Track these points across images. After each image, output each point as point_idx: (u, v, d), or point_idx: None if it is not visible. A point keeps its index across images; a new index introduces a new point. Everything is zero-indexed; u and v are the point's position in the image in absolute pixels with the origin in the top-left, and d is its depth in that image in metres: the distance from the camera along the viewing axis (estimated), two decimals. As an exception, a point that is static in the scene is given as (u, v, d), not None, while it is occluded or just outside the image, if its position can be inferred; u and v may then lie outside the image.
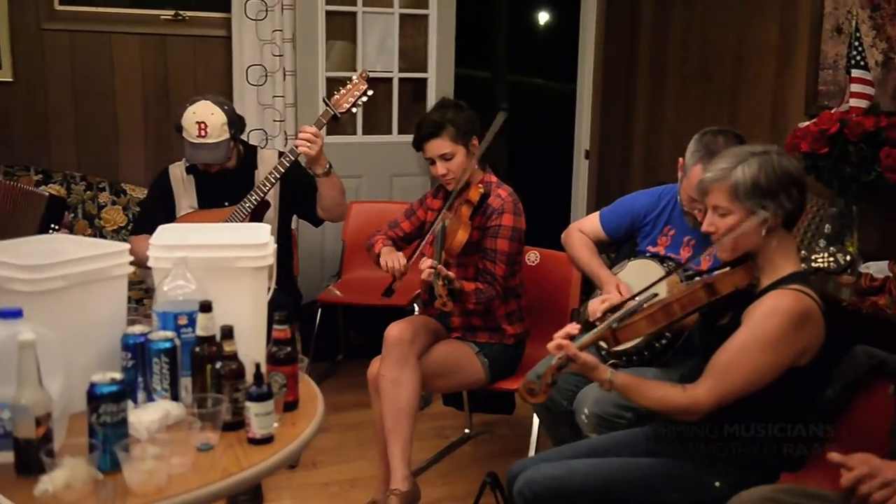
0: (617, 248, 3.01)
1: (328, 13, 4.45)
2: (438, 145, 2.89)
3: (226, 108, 3.23)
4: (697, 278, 2.20)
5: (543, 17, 8.74)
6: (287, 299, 3.16)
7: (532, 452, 2.95)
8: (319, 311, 4.06)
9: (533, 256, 3.29)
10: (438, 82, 4.71)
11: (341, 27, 4.58)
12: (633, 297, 2.29)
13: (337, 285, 4.19)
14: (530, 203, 3.13)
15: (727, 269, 2.11)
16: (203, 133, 3.15)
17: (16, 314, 1.60)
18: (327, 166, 3.19)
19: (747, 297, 2.05)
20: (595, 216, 2.94)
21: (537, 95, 8.23)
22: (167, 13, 4.24)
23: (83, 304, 1.82)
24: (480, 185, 2.90)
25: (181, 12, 4.25)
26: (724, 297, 2.07)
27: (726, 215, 2.04)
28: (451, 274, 2.71)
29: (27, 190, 3.30)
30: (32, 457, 1.51)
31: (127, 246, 1.95)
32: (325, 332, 4.15)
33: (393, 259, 2.87)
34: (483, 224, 2.91)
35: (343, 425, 3.56)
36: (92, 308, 1.84)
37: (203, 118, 3.15)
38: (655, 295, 2.22)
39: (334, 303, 4.12)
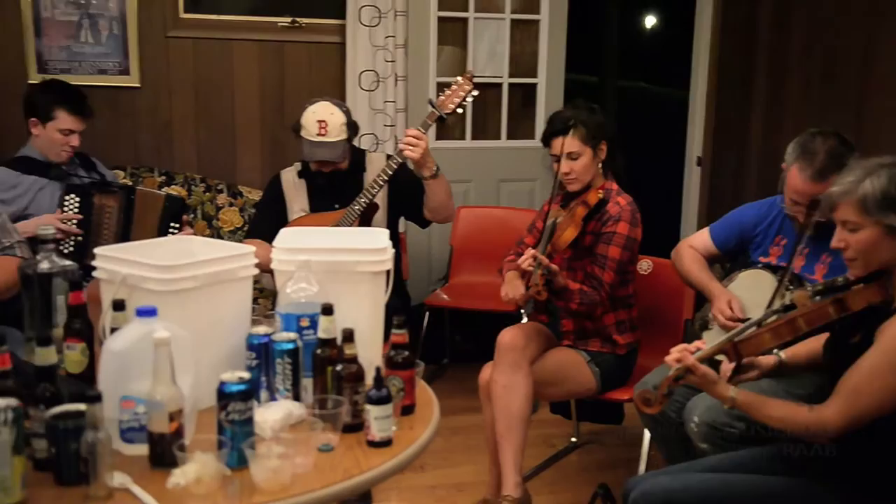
0: (730, 259, 2.95)
1: (440, 19, 4.48)
2: (567, 143, 2.87)
3: (344, 109, 3.31)
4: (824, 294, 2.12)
5: (651, 21, 8.60)
6: (396, 302, 3.19)
7: (643, 464, 2.90)
8: (427, 314, 4.09)
9: (646, 265, 3.23)
10: (549, 88, 4.68)
11: (452, 33, 4.60)
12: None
13: (444, 289, 4.21)
14: (640, 211, 3.08)
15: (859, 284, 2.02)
16: (323, 131, 3.24)
17: (151, 312, 1.67)
18: (434, 168, 3.22)
19: (878, 313, 1.96)
20: (705, 231, 2.92)
21: (645, 101, 8.10)
22: (285, 20, 4.35)
23: (212, 303, 1.88)
24: (600, 191, 2.87)
25: (298, 19, 4.35)
26: (855, 314, 1.99)
27: (856, 230, 1.96)
28: (553, 266, 2.69)
29: (145, 191, 3.43)
30: (165, 450, 1.56)
31: (253, 248, 2.00)
32: (431, 335, 4.17)
33: (512, 289, 2.85)
34: (597, 229, 2.88)
35: (450, 429, 3.58)
36: (219, 308, 1.90)
37: (323, 117, 3.24)
38: (782, 309, 2.15)
39: (441, 307, 4.14)
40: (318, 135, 3.24)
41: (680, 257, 2.88)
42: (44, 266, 1.99)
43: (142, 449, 1.61)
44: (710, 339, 2.64)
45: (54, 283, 2.01)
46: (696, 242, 2.90)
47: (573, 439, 3.61)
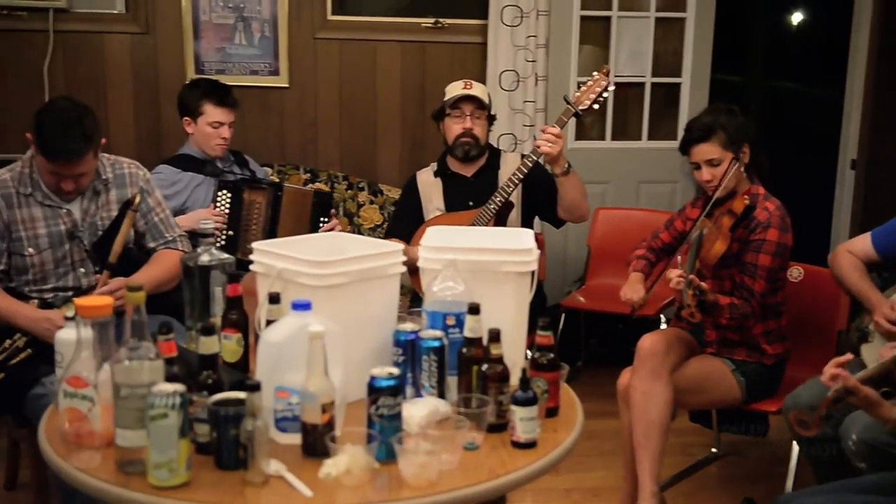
0: (890, 269, 2.79)
1: (582, 18, 4.44)
2: (707, 150, 2.79)
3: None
4: None
5: (799, 18, 8.25)
6: (534, 302, 3.19)
7: (790, 480, 2.78)
8: (563, 316, 4.06)
9: (796, 272, 3.09)
10: (693, 87, 4.56)
11: (594, 32, 4.55)
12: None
13: (580, 291, 4.17)
14: (789, 216, 2.96)
15: None
16: (468, 87, 3.36)
17: (306, 306, 1.72)
18: (566, 166, 3.19)
19: None
20: (866, 237, 2.75)
21: (794, 101, 7.78)
22: (428, 21, 4.41)
23: (361, 299, 1.92)
24: (746, 197, 2.77)
25: (441, 20, 4.40)
26: None
27: None
28: (703, 285, 2.61)
29: (292, 188, 3.55)
30: (317, 441, 1.61)
31: (401, 246, 2.03)
32: (566, 337, 4.14)
33: (632, 291, 2.83)
34: (745, 237, 2.78)
35: (584, 433, 3.49)
36: (368, 304, 1.94)
37: (469, 81, 3.40)
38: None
39: (577, 309, 4.10)
40: (463, 88, 3.35)
41: (838, 262, 2.73)
42: (204, 259, 2.08)
43: (295, 438, 1.66)
44: (869, 353, 2.51)
45: (212, 275, 2.10)
46: (855, 248, 2.74)
47: (713, 450, 3.50)
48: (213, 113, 3.46)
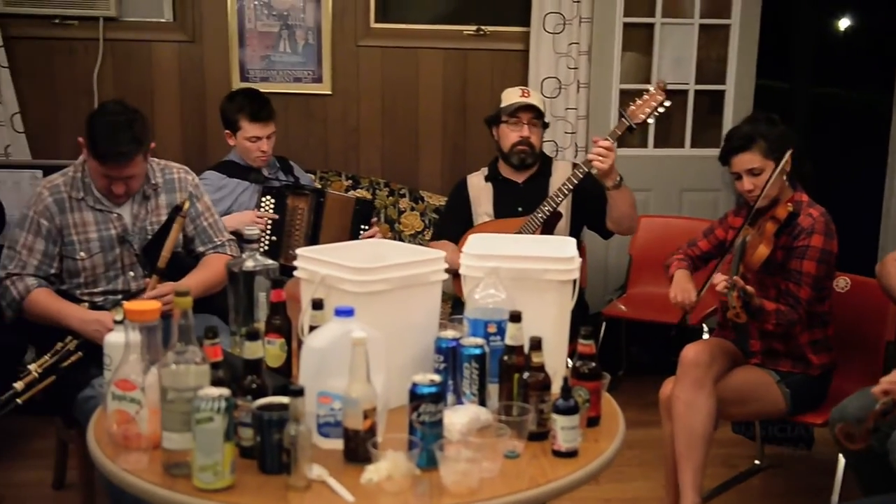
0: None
1: (625, 25, 4.42)
2: (747, 160, 2.76)
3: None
4: None
5: (846, 23, 8.13)
6: (575, 311, 3.18)
7: (835, 495, 2.74)
8: (604, 324, 4.04)
9: (843, 283, 3.04)
10: (737, 94, 4.52)
11: (637, 39, 4.53)
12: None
13: (622, 300, 4.14)
14: (834, 223, 2.91)
15: None
16: (526, 94, 3.39)
17: (349, 313, 1.73)
18: (618, 179, 3.18)
19: None
20: None
21: (841, 107, 7.66)
22: (470, 28, 4.42)
23: (403, 306, 1.93)
24: (789, 204, 2.74)
25: (483, 27, 4.41)
26: None
27: None
28: (749, 288, 2.58)
29: (334, 194, 3.58)
30: (359, 446, 1.62)
31: (443, 253, 2.04)
32: (607, 346, 4.11)
33: (682, 293, 2.79)
34: (789, 244, 2.75)
35: (625, 443, 3.48)
36: (410, 311, 1.95)
37: (527, 89, 3.44)
38: None
39: (618, 317, 4.08)
40: (521, 96, 3.38)
41: (886, 272, 2.67)
42: (249, 264, 2.11)
43: (337, 444, 1.67)
44: (918, 366, 2.46)
45: (257, 280, 2.13)
46: None
47: (756, 462, 3.46)
48: (249, 128, 3.49)
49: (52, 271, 2.70)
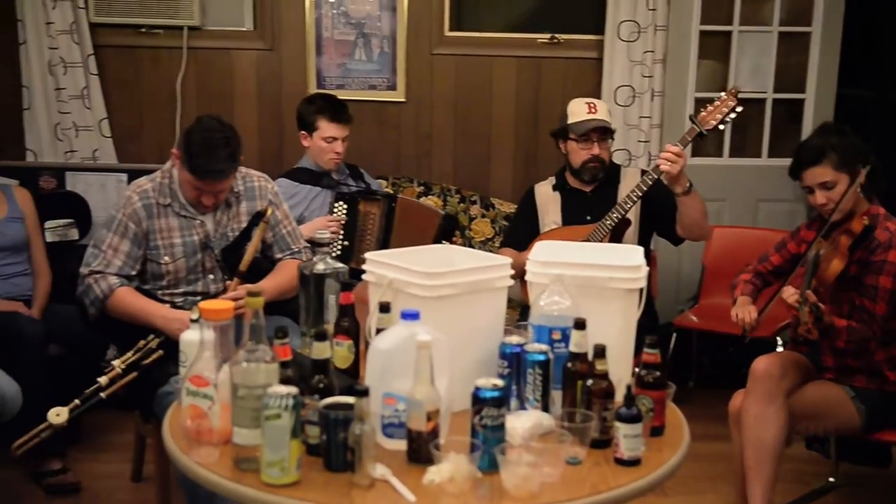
0: None
1: (702, 33, 4.37)
2: (819, 173, 2.71)
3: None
4: None
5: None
6: (644, 320, 3.16)
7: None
8: (674, 335, 3.99)
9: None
10: (817, 103, 4.43)
11: (714, 46, 4.47)
12: None
13: (693, 310, 4.09)
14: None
15: None
16: (593, 110, 3.36)
17: (414, 316, 1.77)
18: (687, 185, 3.14)
19: None
20: None
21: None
22: (544, 37, 4.43)
23: (469, 311, 1.95)
24: (865, 217, 2.67)
25: (557, 35, 4.41)
26: None
27: None
28: (820, 304, 2.53)
29: (406, 200, 3.63)
30: (422, 448, 1.65)
31: (509, 260, 2.06)
32: (677, 357, 4.07)
33: (743, 311, 2.77)
34: (865, 258, 2.68)
35: (693, 455, 3.40)
36: (476, 315, 1.97)
37: (592, 101, 3.40)
38: None
39: (689, 328, 4.03)
40: (589, 112, 3.36)
41: None
42: (319, 267, 2.16)
43: (400, 444, 1.70)
44: None
45: (327, 283, 2.18)
46: None
47: (831, 479, 3.37)
48: (327, 128, 3.57)
49: (133, 273, 2.80)
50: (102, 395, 2.52)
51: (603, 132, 3.39)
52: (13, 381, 2.82)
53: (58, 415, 2.42)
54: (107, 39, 4.33)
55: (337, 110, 3.60)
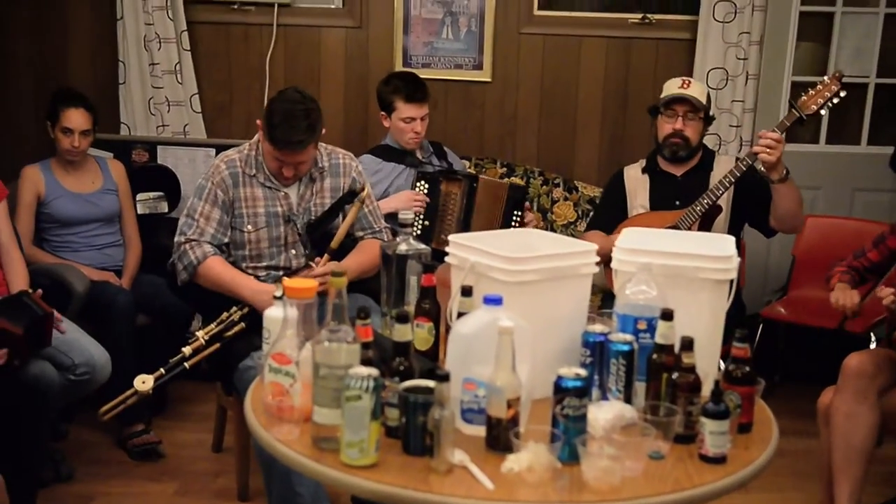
0: None
1: (802, 14, 4.20)
2: None
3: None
4: None
5: None
6: (731, 310, 3.07)
7: None
8: (760, 326, 3.88)
9: None
10: (924, 90, 4.22)
11: (814, 28, 4.30)
12: None
13: (781, 302, 3.97)
14: None
15: None
16: (686, 85, 3.29)
17: (497, 301, 1.74)
18: (784, 172, 3.03)
19: None
20: None
21: None
22: (635, 17, 4.32)
23: (552, 297, 1.92)
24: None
25: (649, 15, 4.30)
26: None
27: None
28: None
29: (487, 180, 3.60)
30: (501, 435, 1.63)
31: (595, 246, 2.01)
32: (763, 349, 3.95)
33: (845, 296, 2.65)
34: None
35: (777, 451, 3.36)
36: (559, 302, 1.94)
37: (689, 79, 3.33)
38: None
39: (777, 320, 3.90)
40: (680, 87, 3.28)
41: None
42: (402, 248, 2.16)
43: (479, 430, 1.68)
44: None
45: (409, 264, 2.17)
46: None
47: (922, 483, 3.25)
48: (403, 109, 3.55)
49: (226, 240, 2.85)
50: (186, 364, 2.58)
51: (690, 108, 3.28)
52: (103, 349, 2.90)
53: (143, 382, 2.49)
54: (200, 16, 4.40)
55: (412, 90, 3.57)
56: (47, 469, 3.03)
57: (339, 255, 2.82)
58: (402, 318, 1.74)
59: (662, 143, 3.34)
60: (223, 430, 3.30)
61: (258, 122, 2.80)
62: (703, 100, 3.31)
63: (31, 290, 2.78)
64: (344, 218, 2.85)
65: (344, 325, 1.65)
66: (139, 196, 3.88)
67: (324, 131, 2.83)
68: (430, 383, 1.62)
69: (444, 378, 1.59)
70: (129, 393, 2.50)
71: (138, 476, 3.18)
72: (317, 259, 2.78)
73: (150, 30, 4.26)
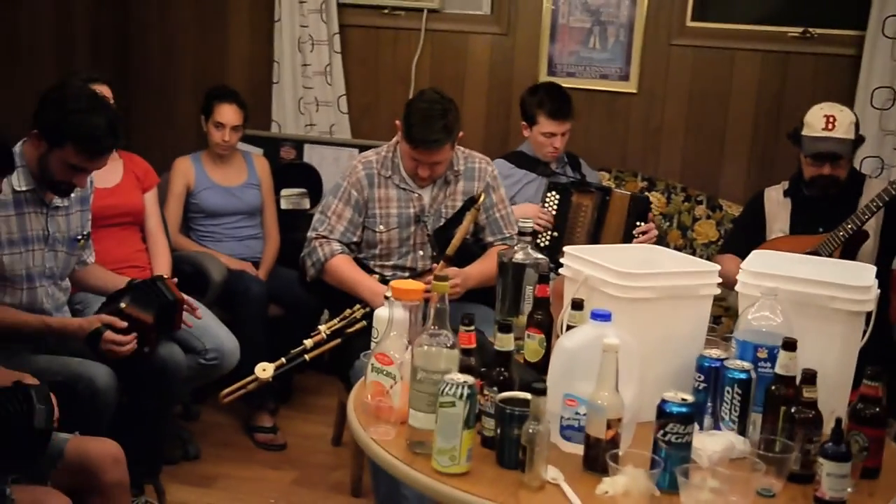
0: None
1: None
2: None
3: (854, 110, 3.14)
4: None
5: None
6: (874, 347, 2.85)
7: None
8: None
9: None
10: None
11: None
12: None
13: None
14: None
15: None
16: (830, 126, 3.04)
17: (605, 317, 1.68)
18: None
19: None
20: None
21: None
22: (795, 30, 4.10)
23: (667, 317, 1.84)
24: None
25: (810, 30, 4.07)
26: None
27: None
28: None
29: (619, 193, 3.49)
30: (599, 456, 1.57)
31: (717, 267, 1.92)
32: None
33: None
34: None
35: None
36: (674, 323, 1.86)
37: (832, 112, 3.06)
38: None
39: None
40: (824, 129, 3.04)
41: None
42: (519, 257, 2.13)
43: (577, 448, 1.64)
44: None
45: (526, 273, 2.14)
46: None
47: None
48: (545, 124, 3.49)
49: (355, 239, 2.91)
50: (306, 356, 2.64)
51: (835, 157, 3.07)
52: (233, 336, 3.01)
53: (264, 370, 2.55)
54: (351, 19, 4.51)
55: (556, 106, 3.49)
56: (176, 447, 3.18)
57: (464, 261, 2.82)
58: (505, 328, 1.71)
59: (810, 182, 3.14)
60: (343, 424, 3.36)
61: (397, 122, 2.84)
62: (852, 134, 3.07)
63: (166, 277, 2.91)
64: (474, 224, 2.85)
65: (445, 329, 1.64)
66: (283, 191, 4.01)
67: (461, 134, 2.83)
68: (528, 396, 1.58)
69: (541, 392, 1.55)
70: (249, 379, 2.58)
71: (260, 462, 3.28)
72: (438, 264, 2.79)
73: (305, 31, 4.41)
